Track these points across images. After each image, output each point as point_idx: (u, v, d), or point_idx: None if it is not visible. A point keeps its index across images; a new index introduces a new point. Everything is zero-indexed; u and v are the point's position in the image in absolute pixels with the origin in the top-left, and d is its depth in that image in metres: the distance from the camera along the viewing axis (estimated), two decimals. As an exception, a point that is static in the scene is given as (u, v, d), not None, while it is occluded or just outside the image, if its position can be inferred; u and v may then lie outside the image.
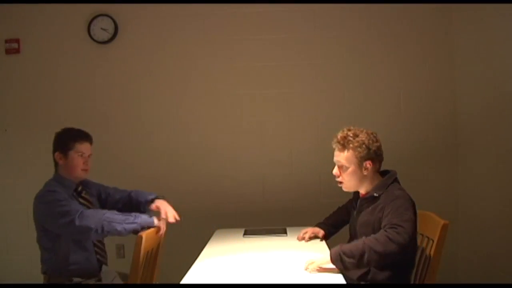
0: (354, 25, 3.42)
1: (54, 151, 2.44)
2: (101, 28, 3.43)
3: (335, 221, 2.58)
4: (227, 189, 3.45)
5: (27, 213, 3.43)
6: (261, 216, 3.36)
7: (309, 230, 2.54)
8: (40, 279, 2.38)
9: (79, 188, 2.45)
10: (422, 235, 2.28)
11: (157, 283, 2.57)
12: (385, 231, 1.95)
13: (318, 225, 2.58)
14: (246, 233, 2.77)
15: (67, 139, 2.43)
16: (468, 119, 3.26)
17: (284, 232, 2.70)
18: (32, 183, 3.43)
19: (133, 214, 2.32)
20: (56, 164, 2.46)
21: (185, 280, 1.91)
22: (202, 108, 3.47)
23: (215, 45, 3.45)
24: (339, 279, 1.87)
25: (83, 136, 2.47)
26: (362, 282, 2.03)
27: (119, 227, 2.23)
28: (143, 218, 2.31)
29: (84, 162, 2.45)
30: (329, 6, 3.40)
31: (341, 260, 1.91)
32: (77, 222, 2.18)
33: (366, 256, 1.90)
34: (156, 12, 3.45)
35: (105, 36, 3.43)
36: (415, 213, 2.05)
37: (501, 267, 2.85)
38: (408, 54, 3.41)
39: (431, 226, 2.19)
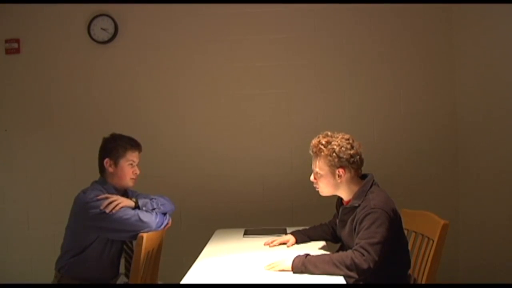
0: (354, 25, 3.42)
1: (102, 158, 2.41)
2: (101, 28, 3.43)
3: (313, 235, 2.53)
4: (227, 189, 3.44)
5: (27, 213, 3.48)
6: (261, 216, 3.36)
7: (279, 239, 2.50)
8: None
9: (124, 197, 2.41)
10: (422, 235, 2.28)
11: (157, 283, 2.57)
12: (353, 252, 1.96)
13: (293, 232, 2.54)
14: (246, 233, 2.77)
15: (118, 147, 2.40)
16: (468, 119, 3.26)
17: (284, 232, 2.69)
18: (32, 183, 3.48)
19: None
20: (103, 170, 2.43)
21: (185, 280, 1.91)
22: (202, 108, 3.46)
23: (215, 45, 3.45)
24: (339, 279, 1.87)
25: (134, 145, 2.45)
26: (361, 282, 2.03)
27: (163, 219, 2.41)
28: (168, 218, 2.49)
29: (133, 171, 2.45)
30: (329, 6, 3.40)
31: (304, 270, 1.92)
32: (141, 217, 2.27)
33: (328, 272, 1.92)
34: (156, 12, 3.45)
35: (105, 36, 3.43)
36: (390, 223, 2.02)
37: (501, 267, 2.85)
38: (408, 54, 3.40)
39: (431, 226, 2.19)
